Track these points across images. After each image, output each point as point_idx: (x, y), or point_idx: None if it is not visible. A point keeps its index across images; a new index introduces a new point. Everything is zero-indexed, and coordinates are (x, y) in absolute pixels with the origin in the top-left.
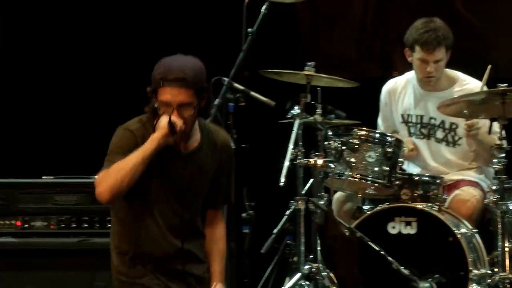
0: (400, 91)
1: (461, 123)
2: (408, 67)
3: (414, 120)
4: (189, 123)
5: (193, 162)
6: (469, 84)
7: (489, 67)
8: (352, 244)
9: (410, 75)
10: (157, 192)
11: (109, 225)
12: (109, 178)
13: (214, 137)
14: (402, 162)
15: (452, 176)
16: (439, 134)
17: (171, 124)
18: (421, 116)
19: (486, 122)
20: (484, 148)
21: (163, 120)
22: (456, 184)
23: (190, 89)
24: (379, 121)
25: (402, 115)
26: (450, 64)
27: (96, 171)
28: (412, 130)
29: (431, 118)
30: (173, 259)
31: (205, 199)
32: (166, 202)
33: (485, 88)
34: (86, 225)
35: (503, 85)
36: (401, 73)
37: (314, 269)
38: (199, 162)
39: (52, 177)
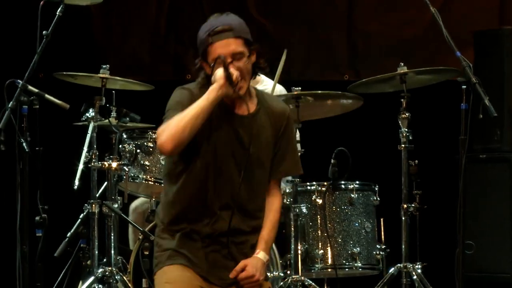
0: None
1: None
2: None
3: None
4: (244, 74)
5: (250, 126)
6: (268, 85)
7: (285, 51)
8: None
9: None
10: (215, 155)
11: None
12: (170, 128)
13: (272, 104)
14: None
15: None
16: None
17: (228, 74)
18: None
19: None
20: None
21: (219, 71)
22: None
23: (238, 39)
24: None
25: None
26: None
27: None
28: None
29: None
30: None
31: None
32: (224, 166)
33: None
34: None
35: (296, 88)
36: (194, 76)
37: (107, 273)
38: (256, 127)
39: None
